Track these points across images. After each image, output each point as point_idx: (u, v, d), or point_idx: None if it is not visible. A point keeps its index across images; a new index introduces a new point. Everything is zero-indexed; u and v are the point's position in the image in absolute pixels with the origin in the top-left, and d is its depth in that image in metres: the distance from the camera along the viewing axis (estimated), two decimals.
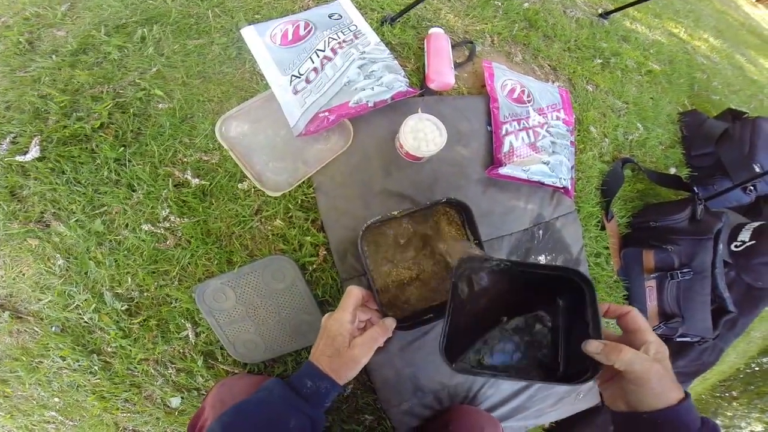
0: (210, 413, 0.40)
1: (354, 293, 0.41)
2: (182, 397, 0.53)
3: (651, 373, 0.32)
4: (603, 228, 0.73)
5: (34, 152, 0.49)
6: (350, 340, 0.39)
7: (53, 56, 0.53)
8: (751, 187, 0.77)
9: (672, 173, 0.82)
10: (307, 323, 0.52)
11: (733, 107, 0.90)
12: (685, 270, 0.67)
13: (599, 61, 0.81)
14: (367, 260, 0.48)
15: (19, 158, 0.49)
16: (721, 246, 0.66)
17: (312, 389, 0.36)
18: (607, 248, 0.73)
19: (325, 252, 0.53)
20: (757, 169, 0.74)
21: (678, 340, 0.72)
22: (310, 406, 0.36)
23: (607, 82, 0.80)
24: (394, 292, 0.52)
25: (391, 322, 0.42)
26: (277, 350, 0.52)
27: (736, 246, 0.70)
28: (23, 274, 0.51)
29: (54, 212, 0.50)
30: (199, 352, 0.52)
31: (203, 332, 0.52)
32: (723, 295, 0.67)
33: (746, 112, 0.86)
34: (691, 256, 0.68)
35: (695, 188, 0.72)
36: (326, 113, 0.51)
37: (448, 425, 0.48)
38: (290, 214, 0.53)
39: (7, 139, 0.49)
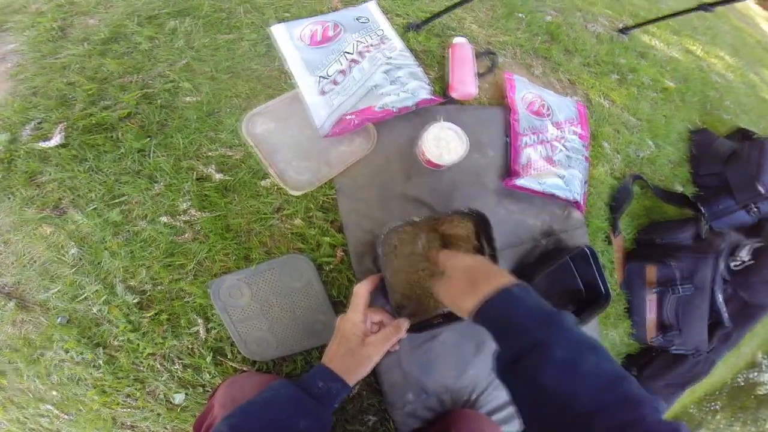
0: (220, 412, 0.39)
1: (361, 293, 0.42)
2: (186, 394, 0.52)
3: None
4: (609, 242, 0.74)
5: (57, 139, 0.48)
6: (363, 338, 0.40)
7: (84, 44, 0.53)
8: (755, 209, 0.79)
9: (678, 191, 0.84)
10: (320, 323, 0.52)
11: (743, 126, 0.92)
12: (686, 285, 0.69)
13: (616, 76, 0.82)
14: (384, 263, 0.48)
15: (42, 144, 0.48)
16: (721, 263, 0.68)
17: (323, 390, 0.36)
18: (612, 262, 0.74)
19: (342, 253, 0.53)
20: (762, 190, 0.76)
21: (674, 352, 0.73)
22: (320, 406, 0.36)
23: (622, 98, 0.81)
24: (406, 295, 0.52)
25: (404, 323, 0.43)
26: (289, 349, 0.52)
27: (735, 264, 0.72)
28: (34, 262, 0.50)
29: (72, 199, 0.49)
30: (209, 348, 0.51)
31: (214, 328, 0.52)
32: (720, 310, 0.68)
33: (756, 133, 0.88)
34: (693, 271, 0.70)
35: (701, 208, 0.74)
36: (352, 116, 0.51)
37: (450, 428, 0.48)
38: (310, 213, 0.53)
39: (31, 125, 0.49)
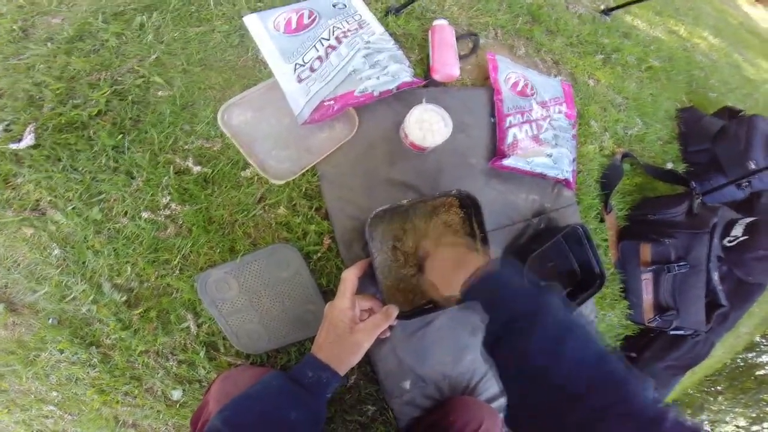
0: (215, 407, 0.39)
1: (349, 278, 0.42)
2: (183, 390, 0.52)
3: None
4: (602, 220, 0.73)
5: (28, 140, 0.47)
6: (351, 325, 0.40)
7: (48, 44, 0.52)
8: (746, 184, 0.78)
9: (668, 168, 0.84)
10: (311, 313, 0.51)
11: (730, 105, 0.92)
12: (681, 263, 0.68)
13: (601, 56, 0.82)
14: (373, 249, 0.47)
15: (13, 146, 0.47)
16: (716, 240, 0.68)
17: (313, 379, 0.36)
18: (606, 240, 0.74)
19: (329, 241, 0.53)
20: (752, 166, 0.75)
21: (672, 333, 0.73)
22: (311, 396, 0.36)
23: (608, 77, 0.81)
24: (396, 281, 0.52)
25: (393, 310, 0.43)
26: (281, 340, 0.52)
27: (729, 241, 0.71)
28: (18, 265, 0.49)
29: (50, 200, 0.48)
30: (201, 343, 0.51)
31: (205, 323, 0.51)
32: (716, 289, 0.68)
33: (743, 110, 0.87)
34: (688, 249, 0.69)
35: (692, 183, 0.74)
36: (331, 102, 0.50)
37: (449, 415, 0.48)
38: (294, 202, 0.53)
39: (0, 127, 0.48)
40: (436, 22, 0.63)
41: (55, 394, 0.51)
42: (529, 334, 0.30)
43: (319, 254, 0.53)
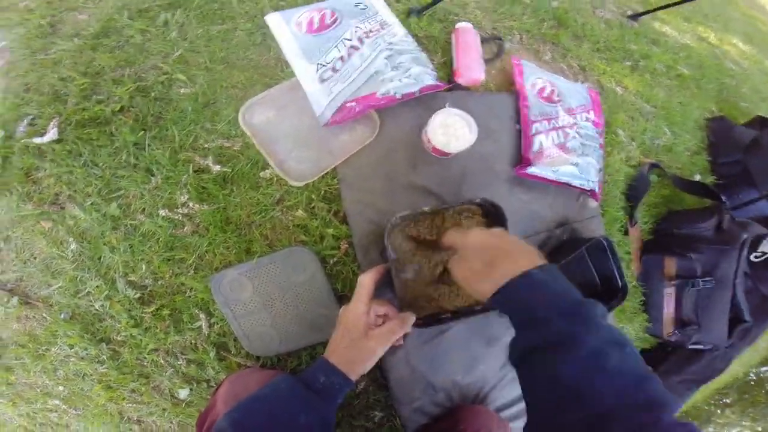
0: (223, 408, 0.38)
1: (365, 283, 0.40)
2: (191, 389, 0.51)
3: None
4: (626, 233, 0.71)
5: (52, 134, 0.48)
6: (366, 331, 0.38)
7: (75, 39, 0.52)
8: None
9: (697, 180, 0.80)
10: (324, 317, 0.50)
11: (763, 115, 0.88)
12: (707, 279, 0.65)
13: (628, 63, 0.80)
14: (392, 256, 0.46)
15: (37, 140, 0.48)
16: (744, 256, 0.65)
17: (324, 384, 0.35)
18: (629, 253, 0.71)
19: (347, 245, 0.52)
20: None
21: (691, 347, 0.70)
22: (321, 401, 0.35)
23: (636, 84, 0.78)
24: (413, 288, 0.50)
25: (410, 317, 0.41)
26: (293, 344, 0.50)
27: (755, 256, 0.68)
28: (35, 258, 0.49)
29: (69, 194, 0.48)
30: (212, 343, 0.50)
31: (217, 323, 0.50)
32: (740, 305, 0.65)
33: None
34: (714, 265, 0.66)
35: (722, 197, 0.70)
36: (353, 103, 0.49)
37: (458, 424, 0.46)
38: (313, 204, 0.52)
39: (25, 121, 0.48)
40: (459, 25, 0.61)
41: (61, 388, 0.51)
42: (568, 353, 0.27)
43: (335, 258, 0.51)
